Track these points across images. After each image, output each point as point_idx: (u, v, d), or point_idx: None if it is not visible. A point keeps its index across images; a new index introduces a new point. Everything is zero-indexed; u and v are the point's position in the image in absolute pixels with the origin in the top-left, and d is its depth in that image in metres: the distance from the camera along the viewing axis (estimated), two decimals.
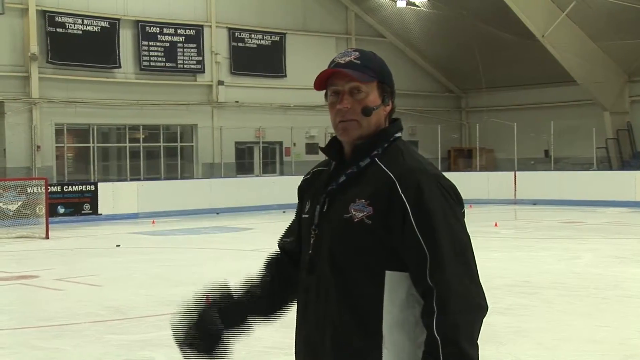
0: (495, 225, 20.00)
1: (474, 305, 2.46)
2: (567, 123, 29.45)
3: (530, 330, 8.37)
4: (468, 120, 35.52)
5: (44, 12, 25.60)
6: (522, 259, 14.13)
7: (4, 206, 21.25)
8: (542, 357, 7.39)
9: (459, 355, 2.38)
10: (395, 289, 2.52)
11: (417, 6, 30.27)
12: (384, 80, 2.66)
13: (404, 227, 2.48)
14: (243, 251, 16.80)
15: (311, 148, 31.41)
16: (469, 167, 32.53)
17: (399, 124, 2.70)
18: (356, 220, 2.53)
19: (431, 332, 2.41)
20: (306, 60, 30.80)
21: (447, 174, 2.72)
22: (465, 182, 29.69)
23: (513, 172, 28.52)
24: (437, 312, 2.40)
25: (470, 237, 2.60)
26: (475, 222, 21.68)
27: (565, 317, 9.08)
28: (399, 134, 2.68)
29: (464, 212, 2.60)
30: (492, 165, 32.18)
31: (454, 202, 2.56)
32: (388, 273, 2.51)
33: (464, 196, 2.60)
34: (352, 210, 2.54)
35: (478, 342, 2.47)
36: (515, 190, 27.89)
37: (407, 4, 30.26)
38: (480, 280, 2.53)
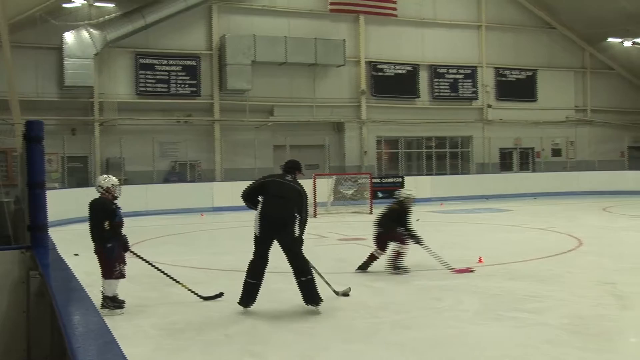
0: None
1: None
2: None
3: None
4: None
5: (370, 62, 28.20)
6: None
7: (343, 191, 23.02)
8: None
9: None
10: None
11: None
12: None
13: None
14: (506, 225, 17.58)
15: (555, 152, 32.16)
16: None
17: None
18: None
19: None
20: (551, 88, 31.83)
21: None
22: None
23: None
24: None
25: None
26: None
27: None
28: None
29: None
30: None
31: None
32: None
33: None
34: None
35: None
36: None
37: (632, 44, 30.29)
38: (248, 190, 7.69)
